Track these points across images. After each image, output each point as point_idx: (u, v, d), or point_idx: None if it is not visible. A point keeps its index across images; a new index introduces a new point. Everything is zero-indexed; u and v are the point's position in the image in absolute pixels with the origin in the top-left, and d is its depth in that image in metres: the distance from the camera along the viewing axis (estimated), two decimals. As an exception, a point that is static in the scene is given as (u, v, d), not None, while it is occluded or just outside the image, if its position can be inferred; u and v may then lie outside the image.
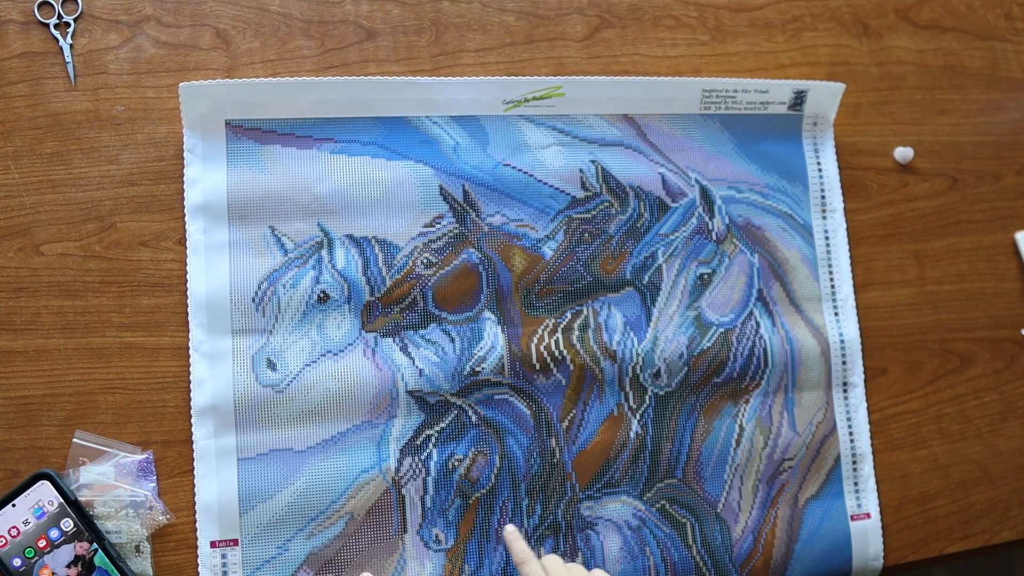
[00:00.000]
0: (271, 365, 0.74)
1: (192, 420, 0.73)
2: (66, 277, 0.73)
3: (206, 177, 0.75)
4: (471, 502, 0.77)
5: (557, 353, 0.79)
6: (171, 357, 0.74)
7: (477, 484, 0.77)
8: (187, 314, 0.74)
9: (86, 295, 0.73)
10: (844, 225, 0.89)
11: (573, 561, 0.78)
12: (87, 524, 0.68)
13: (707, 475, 0.82)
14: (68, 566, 0.68)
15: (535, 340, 0.79)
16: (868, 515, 0.86)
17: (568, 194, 0.82)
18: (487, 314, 0.79)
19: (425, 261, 0.78)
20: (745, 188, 0.86)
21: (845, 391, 0.87)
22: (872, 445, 0.87)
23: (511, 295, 0.79)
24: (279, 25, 0.79)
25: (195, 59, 0.77)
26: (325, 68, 0.80)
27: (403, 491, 0.75)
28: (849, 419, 0.87)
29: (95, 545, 0.68)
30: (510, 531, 0.71)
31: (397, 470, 0.75)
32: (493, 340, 0.78)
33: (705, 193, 0.85)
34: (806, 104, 0.88)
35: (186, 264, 0.74)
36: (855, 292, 0.89)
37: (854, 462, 0.86)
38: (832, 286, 0.88)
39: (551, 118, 0.83)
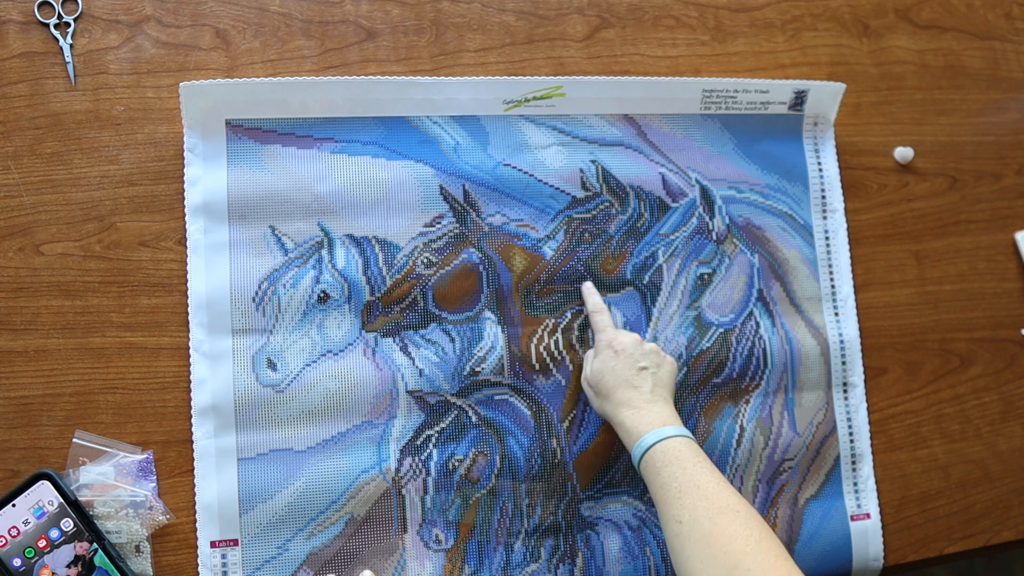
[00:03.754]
0: (271, 365, 0.74)
1: (192, 420, 0.73)
2: (66, 277, 0.73)
3: (206, 177, 0.75)
4: (471, 502, 0.77)
5: (557, 353, 0.79)
6: (171, 357, 0.74)
7: (477, 484, 0.77)
8: (187, 314, 0.74)
9: (86, 295, 0.73)
10: (844, 225, 0.89)
11: (573, 561, 0.78)
12: (87, 524, 0.68)
13: (707, 475, 0.82)
14: (68, 566, 0.68)
15: (535, 340, 0.79)
16: (868, 515, 0.86)
17: (568, 194, 0.82)
18: (487, 314, 0.79)
19: (425, 261, 0.78)
20: (745, 188, 0.86)
21: (845, 391, 0.87)
22: (872, 445, 0.87)
23: (511, 295, 0.79)
24: (279, 25, 0.79)
25: (195, 59, 0.77)
26: (325, 68, 0.80)
27: (403, 491, 0.75)
28: (849, 419, 0.87)
29: (95, 545, 0.68)
30: (588, 285, 0.80)
31: (397, 470, 0.75)
32: (493, 340, 0.78)
33: (705, 193, 0.85)
34: (806, 104, 0.88)
35: (186, 264, 0.74)
36: (855, 292, 0.89)
37: (853, 462, 0.86)
38: (832, 286, 0.88)
39: (551, 118, 0.83)
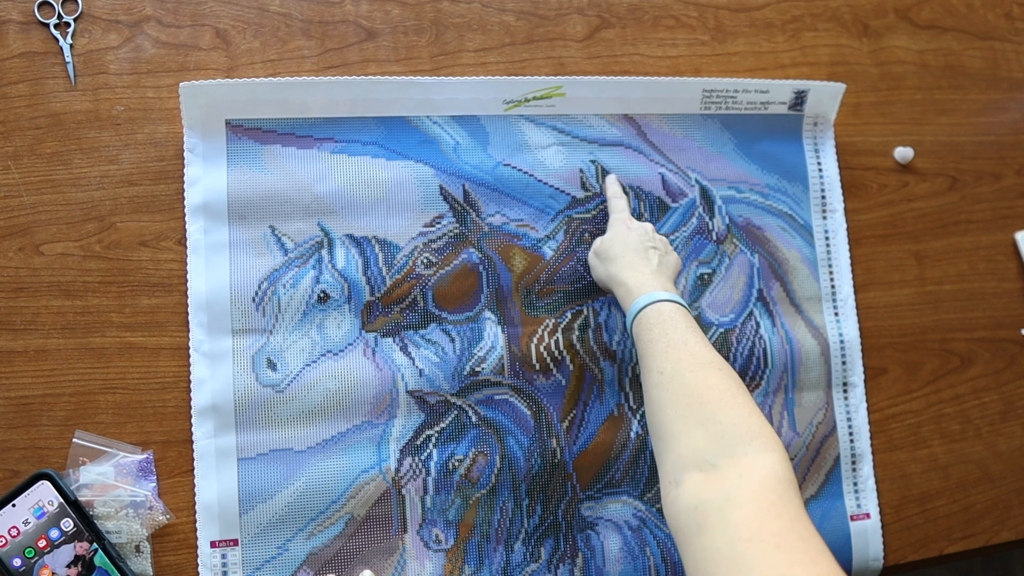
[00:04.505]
0: (271, 365, 0.74)
1: (192, 420, 0.73)
2: (66, 277, 0.73)
3: (206, 177, 0.75)
4: (471, 502, 0.77)
5: (557, 353, 0.79)
6: (171, 357, 0.74)
7: (477, 484, 0.77)
8: (187, 314, 0.74)
9: (86, 295, 0.73)
10: (844, 225, 0.89)
11: (573, 561, 0.78)
12: (87, 524, 0.68)
13: (707, 475, 0.81)
14: (68, 566, 0.68)
15: (535, 340, 0.79)
16: (868, 515, 0.86)
17: (568, 194, 0.82)
18: (487, 314, 0.79)
19: (425, 261, 0.78)
20: (745, 188, 0.86)
21: (845, 391, 0.87)
22: (872, 445, 0.87)
23: (511, 295, 0.79)
24: (279, 25, 0.79)
25: (195, 59, 0.77)
26: (325, 68, 0.80)
27: (403, 491, 0.75)
28: (849, 419, 0.87)
29: (95, 545, 0.68)
30: (612, 176, 0.82)
31: (397, 470, 0.75)
32: (493, 340, 0.78)
33: (705, 193, 0.85)
34: (806, 104, 0.88)
35: (186, 264, 0.74)
36: (855, 292, 0.89)
37: (853, 462, 0.86)
38: (832, 286, 0.88)
39: (551, 118, 0.83)
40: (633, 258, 0.74)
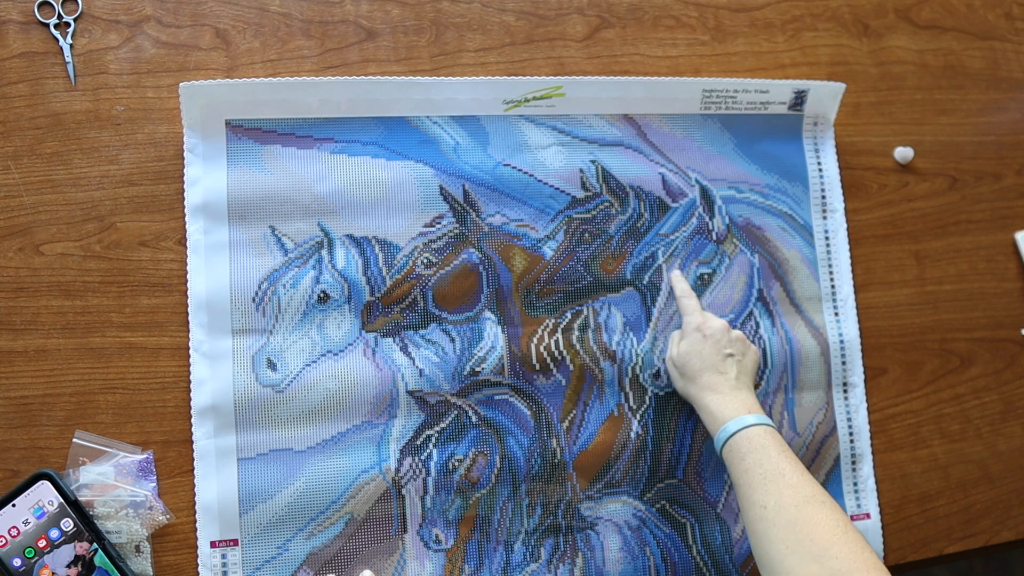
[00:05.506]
0: (271, 365, 0.74)
1: (192, 420, 0.73)
2: (66, 277, 0.73)
3: (206, 177, 0.75)
4: (471, 502, 0.77)
5: (557, 353, 0.79)
6: (171, 357, 0.74)
7: (477, 484, 0.77)
8: (187, 314, 0.74)
9: (86, 295, 0.73)
10: (844, 225, 0.89)
11: (573, 561, 0.78)
12: (87, 524, 0.68)
13: (707, 475, 0.82)
14: (68, 566, 0.68)
15: (535, 340, 0.79)
16: (868, 515, 0.86)
17: (568, 194, 0.82)
18: (487, 314, 0.79)
19: (425, 261, 0.78)
20: (745, 188, 0.86)
21: (845, 391, 0.87)
22: (872, 445, 0.87)
23: (511, 295, 0.79)
24: (279, 25, 0.79)
25: (195, 59, 0.77)
26: (325, 68, 0.80)
27: (403, 491, 0.75)
28: (849, 419, 0.87)
29: (95, 545, 0.68)
30: (676, 273, 0.82)
31: (397, 470, 0.75)
32: (493, 340, 0.78)
33: (705, 193, 0.85)
34: (806, 104, 0.88)
35: (186, 264, 0.74)
36: (855, 292, 0.89)
37: (853, 462, 0.86)
38: (832, 286, 0.88)
39: (551, 118, 0.83)
40: (711, 377, 0.74)
